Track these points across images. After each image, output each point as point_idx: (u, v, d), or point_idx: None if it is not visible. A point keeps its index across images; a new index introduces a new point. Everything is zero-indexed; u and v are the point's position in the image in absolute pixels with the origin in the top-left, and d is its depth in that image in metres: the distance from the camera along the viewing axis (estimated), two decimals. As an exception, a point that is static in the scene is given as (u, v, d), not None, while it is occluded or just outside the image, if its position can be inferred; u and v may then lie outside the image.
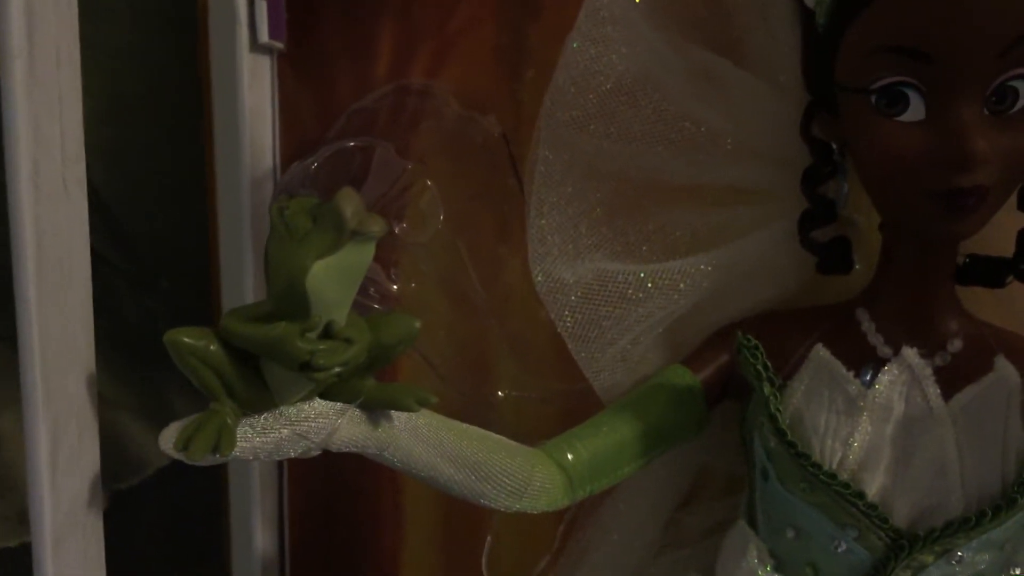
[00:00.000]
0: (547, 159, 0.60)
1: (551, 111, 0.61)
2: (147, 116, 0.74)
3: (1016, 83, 0.52)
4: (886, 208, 0.58)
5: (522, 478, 0.56)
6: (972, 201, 0.53)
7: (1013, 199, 0.57)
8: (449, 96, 0.69)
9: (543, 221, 0.61)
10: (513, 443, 0.57)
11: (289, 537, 0.77)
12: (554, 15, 0.61)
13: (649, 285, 0.60)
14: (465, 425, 0.55)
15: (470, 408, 0.64)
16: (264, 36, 0.67)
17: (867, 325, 0.60)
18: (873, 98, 0.53)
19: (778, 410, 0.57)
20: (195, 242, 0.74)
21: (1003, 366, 0.57)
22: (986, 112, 0.52)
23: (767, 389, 0.57)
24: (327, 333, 0.41)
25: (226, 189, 0.68)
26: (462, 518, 0.73)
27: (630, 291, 0.61)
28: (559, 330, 0.60)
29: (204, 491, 0.80)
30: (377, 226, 0.39)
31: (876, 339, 0.60)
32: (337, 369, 0.42)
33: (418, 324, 0.46)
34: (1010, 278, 0.60)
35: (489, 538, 0.62)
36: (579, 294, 0.61)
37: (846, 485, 0.55)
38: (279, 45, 0.72)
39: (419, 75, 0.71)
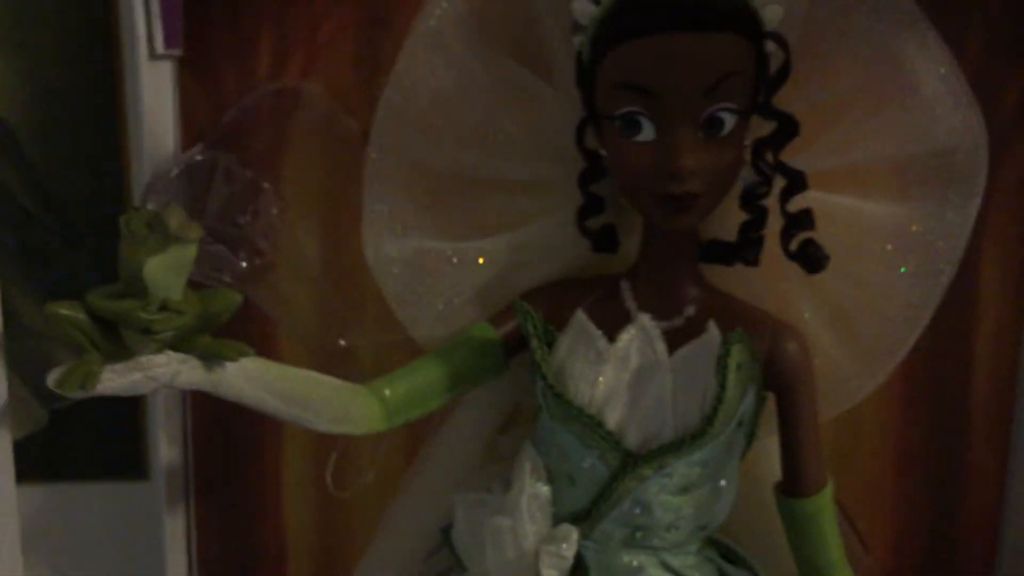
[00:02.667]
0: (376, 159, 0.76)
1: (383, 120, 0.76)
2: (69, 106, 0.89)
3: (723, 114, 0.67)
4: (632, 205, 0.75)
5: (341, 408, 0.73)
6: (685, 204, 0.69)
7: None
8: (317, 96, 0.85)
9: (376, 207, 0.77)
10: (338, 381, 0.73)
11: (192, 449, 0.95)
12: (403, 29, 0.76)
13: (455, 260, 0.77)
14: (293, 368, 0.71)
15: (327, 359, 0.81)
16: (160, 47, 0.82)
17: (626, 294, 0.77)
18: (617, 123, 0.69)
19: (544, 362, 0.74)
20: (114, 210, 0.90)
21: (712, 329, 0.73)
22: (701, 135, 0.68)
23: (536, 348, 0.75)
24: (164, 307, 0.58)
25: (136, 177, 0.84)
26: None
27: (440, 265, 0.77)
28: (384, 294, 0.77)
29: (125, 411, 0.99)
30: (194, 233, 0.56)
31: (631, 305, 0.76)
32: (171, 332, 0.59)
33: (239, 297, 0.63)
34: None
35: (333, 454, 0.80)
36: (401, 266, 0.77)
37: (591, 417, 0.73)
38: (177, 52, 0.86)
39: (294, 77, 0.87)
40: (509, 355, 0.79)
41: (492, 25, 0.76)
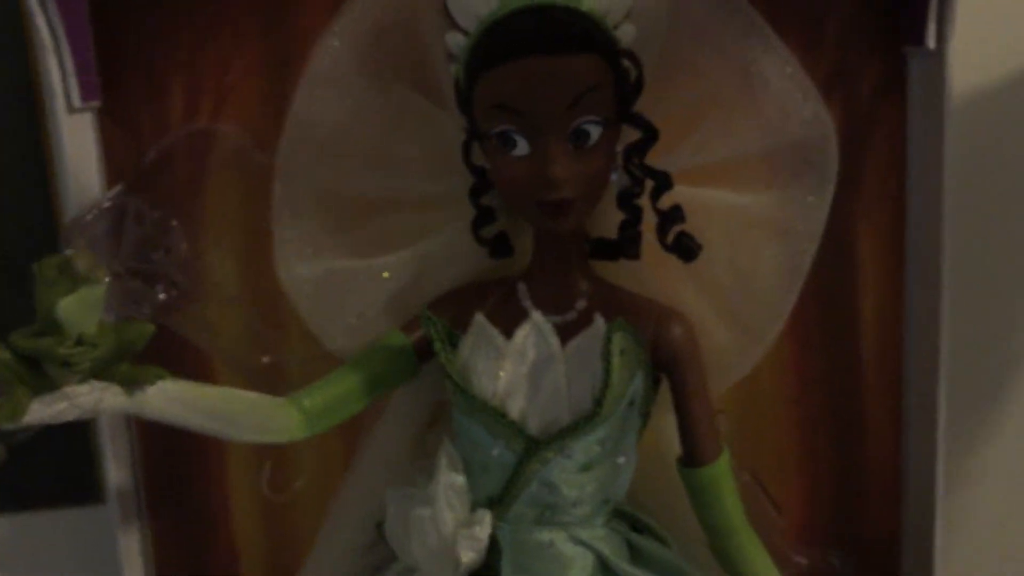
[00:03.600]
0: (283, 189, 0.83)
1: (286, 152, 0.83)
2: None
3: (587, 126, 0.73)
4: (517, 213, 0.82)
5: (261, 420, 0.79)
6: (562, 208, 0.75)
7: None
8: (229, 134, 0.91)
9: (285, 232, 0.84)
10: (256, 395, 0.79)
11: (142, 470, 1.01)
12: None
13: (363, 276, 0.84)
14: (212, 386, 0.76)
15: (255, 376, 0.88)
16: (77, 101, 0.88)
17: (523, 294, 0.83)
18: (495, 140, 0.76)
19: (449, 362, 0.81)
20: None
21: (597, 320, 0.80)
22: (571, 147, 0.74)
23: (439, 350, 0.81)
24: (80, 341, 0.64)
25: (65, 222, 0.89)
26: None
27: (350, 281, 0.83)
28: (299, 312, 0.84)
29: (77, 438, 1.05)
30: (101, 273, 0.62)
31: (528, 304, 0.83)
32: (88, 363, 0.65)
33: (151, 327, 0.69)
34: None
35: (268, 462, 0.86)
36: (313, 286, 0.84)
37: (495, 409, 0.79)
38: (95, 104, 0.92)
39: (206, 118, 0.94)
40: (422, 358, 0.85)
41: (385, 56, 0.82)
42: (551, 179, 0.73)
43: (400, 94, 0.83)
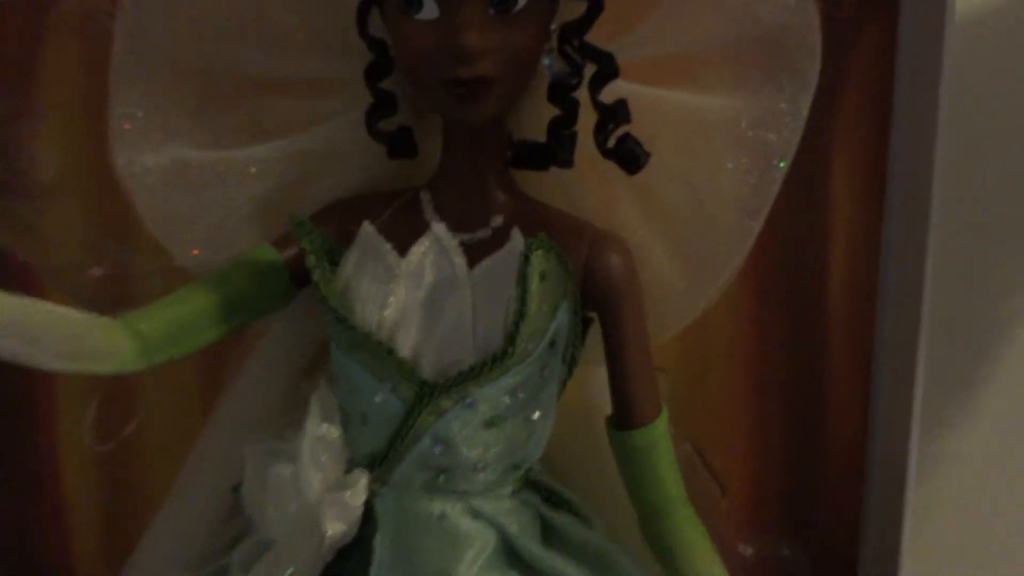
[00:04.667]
0: (123, 55, 0.65)
1: (128, 6, 0.65)
2: None
3: None
4: (421, 97, 0.65)
5: (76, 342, 0.62)
6: (477, 90, 0.61)
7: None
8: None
9: (124, 110, 0.66)
10: (78, 313, 0.63)
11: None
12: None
13: (221, 170, 0.67)
14: (13, 297, 0.60)
15: (85, 292, 0.70)
16: None
17: (426, 205, 0.68)
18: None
19: (325, 282, 0.65)
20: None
21: (515, 236, 0.65)
22: (491, 12, 0.60)
23: (313, 266, 0.65)
24: None
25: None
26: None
27: (208, 177, 0.67)
28: (138, 211, 0.67)
29: None
30: None
31: (432, 216, 0.68)
32: None
33: None
34: None
35: (92, 404, 0.69)
36: (158, 179, 0.67)
37: (380, 344, 0.63)
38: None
39: None
40: (298, 282, 0.69)
41: None
42: (464, 49, 0.59)
43: None
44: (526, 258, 0.62)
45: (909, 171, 0.92)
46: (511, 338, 0.62)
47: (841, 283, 0.97)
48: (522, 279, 0.62)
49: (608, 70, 0.64)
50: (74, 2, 0.73)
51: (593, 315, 0.69)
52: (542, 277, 0.63)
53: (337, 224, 0.69)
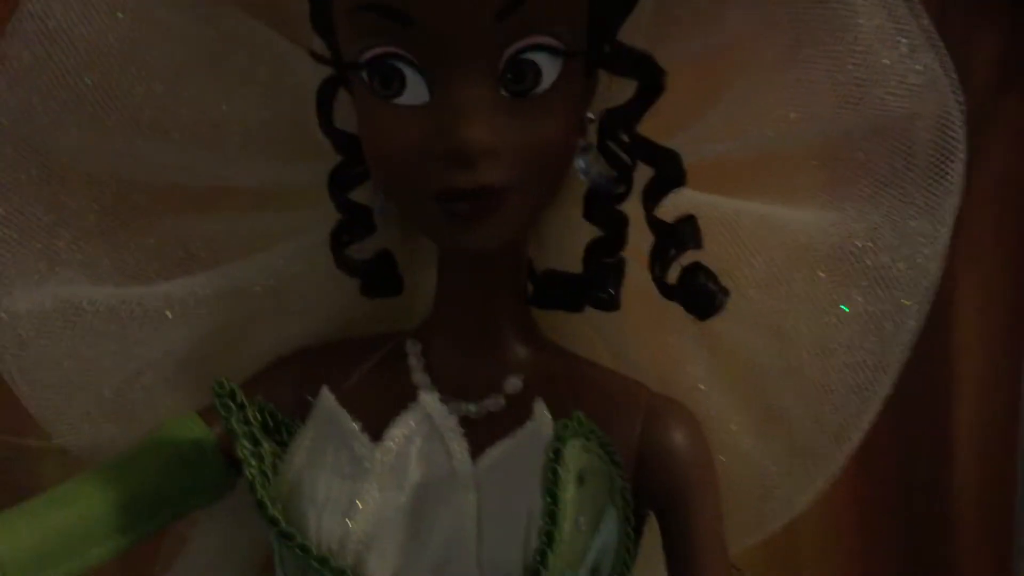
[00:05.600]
0: None
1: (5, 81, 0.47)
2: None
3: (535, 55, 0.42)
4: (403, 215, 0.47)
5: None
6: (482, 205, 0.42)
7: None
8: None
9: None
10: None
11: None
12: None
13: (125, 314, 0.48)
14: None
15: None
16: None
17: (415, 361, 0.49)
18: (365, 75, 0.42)
19: (261, 479, 0.45)
20: None
21: (540, 414, 0.45)
22: (504, 93, 0.42)
23: (246, 457, 0.45)
24: None
25: None
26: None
27: (102, 323, 0.48)
28: (3, 374, 0.47)
29: None
30: None
31: (422, 379, 0.48)
32: None
33: None
34: None
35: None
36: (34, 327, 0.48)
37: (343, 572, 0.43)
38: None
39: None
40: (239, 465, 0.49)
41: None
42: (464, 146, 0.42)
43: (220, 13, 0.50)
44: (557, 453, 0.42)
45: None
46: (534, 571, 0.42)
47: (971, 456, 0.76)
48: (552, 482, 0.42)
49: (670, 174, 0.46)
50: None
51: (649, 512, 0.49)
52: (580, 480, 0.43)
53: (291, 388, 0.50)
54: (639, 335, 0.54)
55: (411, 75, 0.42)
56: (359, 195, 0.49)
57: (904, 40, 0.49)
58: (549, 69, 0.42)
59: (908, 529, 0.75)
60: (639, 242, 0.48)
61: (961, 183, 0.49)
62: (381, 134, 0.43)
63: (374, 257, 0.50)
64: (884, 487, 0.74)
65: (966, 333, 0.73)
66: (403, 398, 0.48)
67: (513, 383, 0.49)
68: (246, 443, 0.46)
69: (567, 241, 0.51)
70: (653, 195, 0.46)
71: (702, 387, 0.52)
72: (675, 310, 0.48)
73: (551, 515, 0.42)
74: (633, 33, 0.48)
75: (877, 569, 0.75)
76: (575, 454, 0.43)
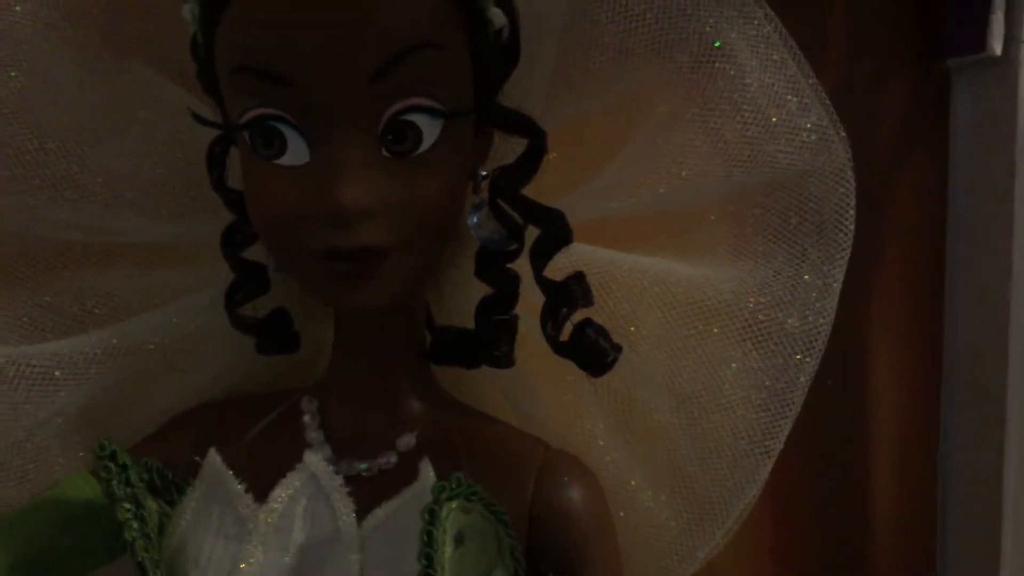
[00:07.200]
0: None
1: None
2: None
3: (414, 116, 0.41)
4: (291, 275, 0.47)
5: None
6: (364, 265, 0.42)
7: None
8: None
9: None
10: None
11: None
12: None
13: (10, 374, 0.47)
14: None
15: None
16: None
17: (310, 418, 0.49)
18: (247, 135, 0.42)
19: (141, 541, 0.44)
20: None
21: (425, 473, 0.45)
22: (386, 154, 0.41)
23: (126, 519, 0.44)
24: None
25: None
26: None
27: (-10, 382, 0.47)
28: None
29: None
30: None
31: (316, 436, 0.48)
32: None
33: None
34: None
35: None
36: None
37: None
38: None
39: None
40: None
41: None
42: (340, 207, 0.41)
43: (128, 73, 0.50)
44: (432, 515, 0.42)
45: (976, 344, 0.72)
46: None
47: (889, 504, 0.74)
48: (426, 547, 0.42)
49: (557, 234, 0.46)
50: None
51: (547, 573, 0.49)
52: (458, 541, 0.43)
53: (186, 447, 0.49)
54: (539, 391, 0.53)
55: (291, 136, 0.41)
56: (255, 253, 0.49)
57: (793, 98, 0.49)
58: (429, 130, 0.42)
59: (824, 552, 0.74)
60: (538, 297, 0.48)
61: (850, 243, 0.49)
62: (263, 194, 0.43)
63: (269, 315, 0.49)
64: (802, 544, 0.73)
65: (880, 383, 0.73)
66: (294, 457, 0.47)
67: (406, 440, 0.48)
68: (127, 505, 0.45)
69: (465, 297, 0.50)
70: (540, 254, 0.46)
71: (601, 442, 0.52)
72: (572, 367, 0.47)
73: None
74: (528, 91, 0.48)
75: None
76: (452, 515, 0.43)
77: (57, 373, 0.48)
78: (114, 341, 0.49)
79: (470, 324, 0.50)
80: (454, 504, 0.43)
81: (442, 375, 0.52)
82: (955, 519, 0.71)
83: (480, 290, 0.49)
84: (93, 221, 0.50)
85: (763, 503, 0.56)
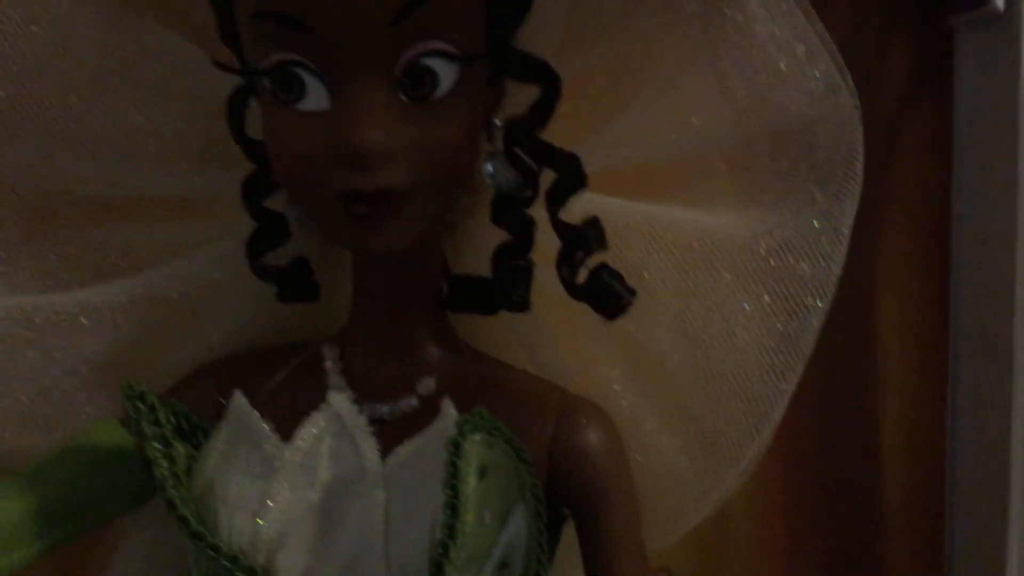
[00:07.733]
0: None
1: None
2: None
3: (432, 61, 0.43)
4: (309, 219, 0.48)
5: None
6: (383, 207, 0.43)
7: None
8: None
9: None
10: None
11: None
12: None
13: (38, 321, 0.48)
14: None
15: None
16: None
17: (332, 364, 0.50)
18: (268, 82, 0.43)
19: (171, 480, 0.45)
20: None
21: (447, 412, 0.46)
22: (404, 98, 0.43)
23: (156, 458, 0.46)
24: None
25: None
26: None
27: (16, 330, 0.48)
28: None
29: None
30: None
31: (338, 381, 0.49)
32: None
33: None
34: None
35: None
36: None
37: (253, 571, 0.44)
38: None
39: None
40: None
41: None
42: (362, 149, 0.42)
43: (137, 29, 0.50)
44: (456, 447, 0.43)
45: (983, 298, 0.73)
46: (437, 565, 0.43)
47: (899, 457, 0.76)
48: (451, 478, 0.43)
49: (571, 178, 0.47)
50: None
51: (566, 513, 0.50)
52: (482, 473, 0.44)
53: (211, 395, 0.50)
54: (554, 337, 0.54)
55: (311, 81, 0.43)
56: (275, 203, 0.50)
57: (801, 46, 0.50)
58: (446, 74, 0.43)
59: (837, 530, 0.76)
60: (550, 245, 0.49)
61: (859, 188, 0.50)
62: (284, 139, 0.44)
63: (290, 264, 0.51)
64: (813, 491, 0.75)
65: (889, 330, 0.74)
66: (318, 399, 0.49)
67: (426, 384, 0.49)
68: (156, 444, 0.46)
69: (482, 246, 0.51)
70: (555, 198, 0.47)
71: (616, 387, 0.53)
72: (587, 312, 0.49)
73: (452, 508, 0.43)
74: (541, 42, 0.49)
75: (808, 560, 0.76)
76: (475, 448, 0.44)
77: (84, 320, 0.49)
78: (139, 289, 0.50)
79: (485, 274, 0.51)
80: (477, 437, 0.44)
81: (458, 327, 0.53)
82: (964, 471, 0.73)
83: (494, 241, 0.50)
84: (115, 174, 0.51)
85: (774, 459, 0.58)
